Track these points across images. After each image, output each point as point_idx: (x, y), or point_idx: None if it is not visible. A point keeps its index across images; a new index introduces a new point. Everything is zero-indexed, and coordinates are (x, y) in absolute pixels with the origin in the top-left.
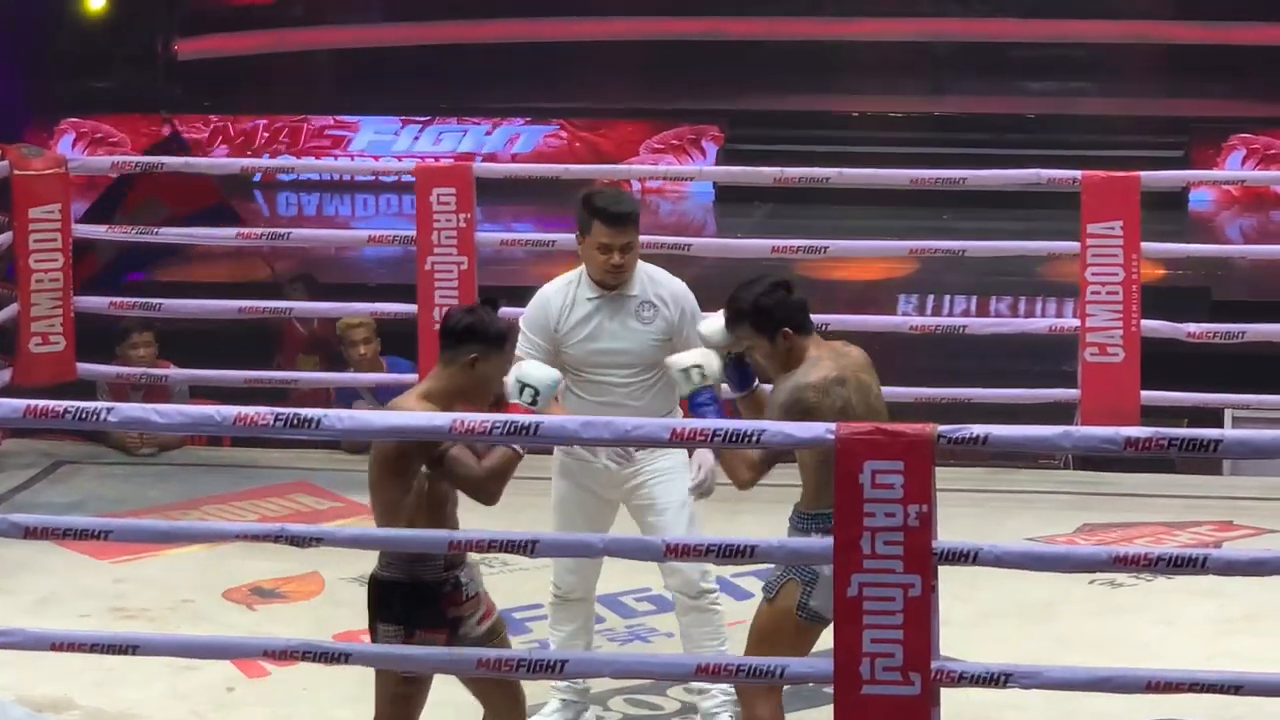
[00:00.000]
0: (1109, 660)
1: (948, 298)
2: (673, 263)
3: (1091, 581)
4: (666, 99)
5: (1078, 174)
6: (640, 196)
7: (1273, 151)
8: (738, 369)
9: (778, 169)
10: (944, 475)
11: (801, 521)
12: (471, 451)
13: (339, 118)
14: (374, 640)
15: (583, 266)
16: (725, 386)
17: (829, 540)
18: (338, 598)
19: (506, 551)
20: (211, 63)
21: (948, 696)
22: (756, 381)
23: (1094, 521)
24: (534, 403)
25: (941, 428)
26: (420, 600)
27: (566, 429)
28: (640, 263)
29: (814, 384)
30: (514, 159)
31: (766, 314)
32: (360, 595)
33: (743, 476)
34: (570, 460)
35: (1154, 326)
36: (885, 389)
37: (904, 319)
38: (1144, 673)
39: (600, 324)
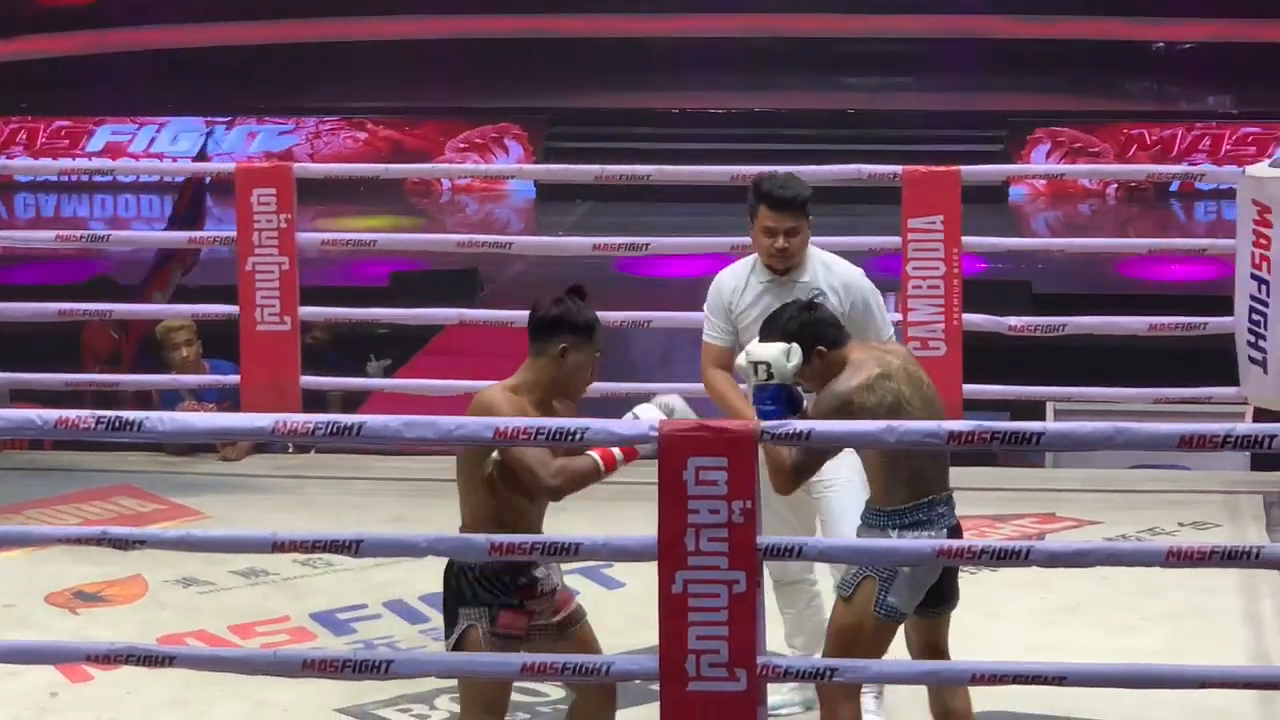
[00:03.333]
0: None
1: None
2: (495, 260)
3: None
4: (488, 97)
5: (898, 169)
6: (450, 196)
7: (1079, 145)
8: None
9: (599, 166)
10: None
11: (876, 518)
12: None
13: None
14: (452, 631)
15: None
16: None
17: (653, 537)
18: (161, 600)
19: (330, 551)
20: (27, 64)
21: (774, 692)
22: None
23: None
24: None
25: (764, 424)
26: (495, 581)
27: (389, 428)
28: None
29: (859, 386)
30: (313, 159)
31: (796, 337)
32: (183, 597)
33: (781, 488)
34: None
35: (975, 320)
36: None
37: None
38: (968, 665)
39: (769, 307)
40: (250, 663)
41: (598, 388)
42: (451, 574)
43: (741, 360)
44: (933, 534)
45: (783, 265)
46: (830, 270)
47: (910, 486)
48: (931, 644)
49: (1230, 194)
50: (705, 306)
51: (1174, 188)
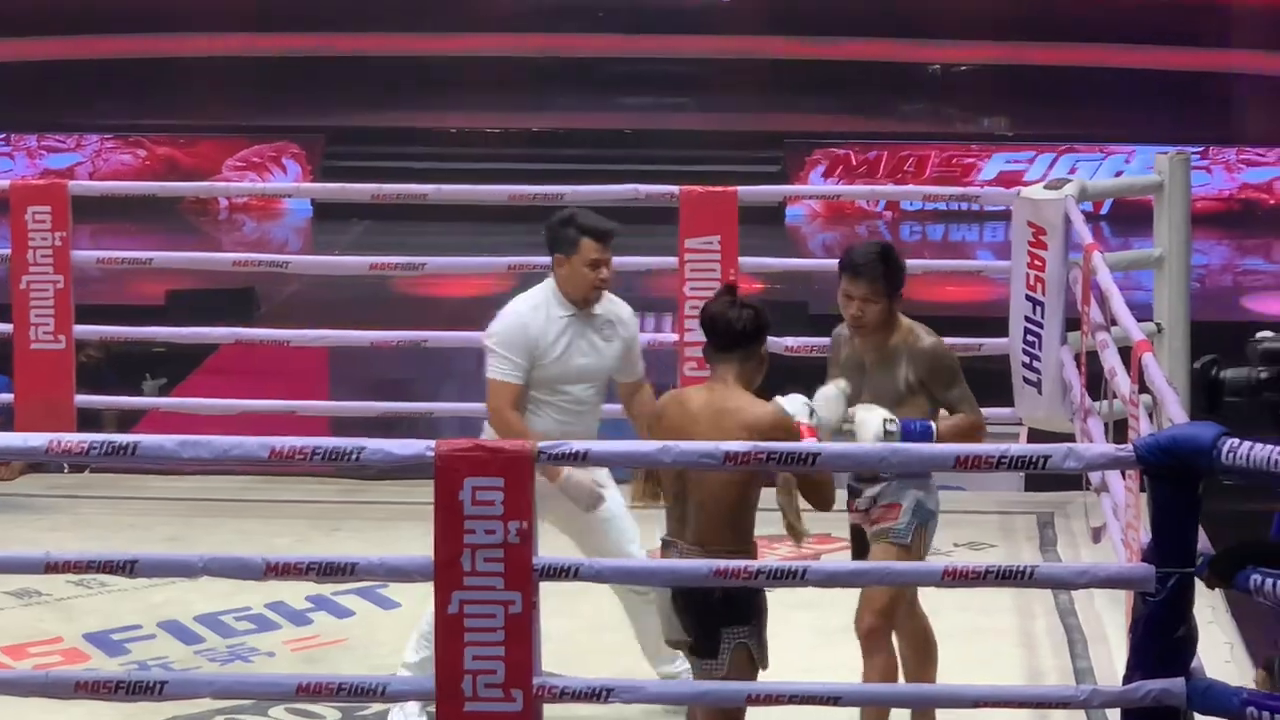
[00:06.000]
0: None
1: None
2: (272, 279)
3: None
4: (266, 115)
5: (675, 189)
6: (228, 215)
7: (855, 166)
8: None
9: (376, 185)
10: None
11: None
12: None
13: None
14: (710, 648)
15: (545, 286)
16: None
17: (429, 557)
18: None
19: (105, 572)
20: None
21: (550, 712)
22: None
23: None
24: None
25: (541, 444)
26: (758, 600)
27: (164, 447)
28: None
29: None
30: (92, 177)
31: (899, 273)
32: None
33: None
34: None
35: None
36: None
37: None
38: (743, 685)
39: (573, 342)
40: (22, 684)
41: (374, 407)
42: (715, 595)
43: (865, 430)
44: None
45: (599, 298)
46: (612, 302)
47: None
48: None
49: (931, 215)
50: (497, 344)
51: (880, 206)
